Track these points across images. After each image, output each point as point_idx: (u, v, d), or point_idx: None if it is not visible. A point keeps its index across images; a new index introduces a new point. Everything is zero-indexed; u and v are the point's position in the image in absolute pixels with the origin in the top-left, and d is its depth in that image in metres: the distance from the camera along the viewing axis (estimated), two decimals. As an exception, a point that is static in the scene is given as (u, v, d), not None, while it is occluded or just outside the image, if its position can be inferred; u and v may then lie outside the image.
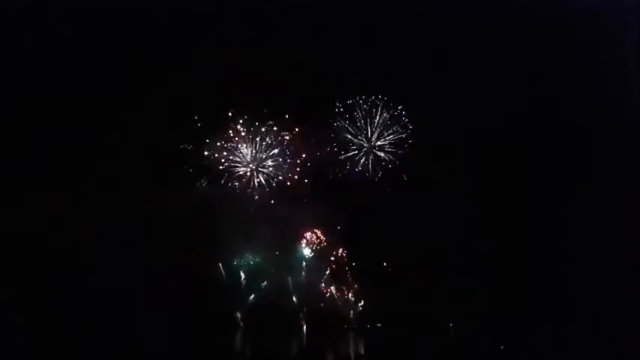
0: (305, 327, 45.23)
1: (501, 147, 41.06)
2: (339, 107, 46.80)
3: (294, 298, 45.74)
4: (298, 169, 46.76)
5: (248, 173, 46.67)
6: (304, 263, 46.87)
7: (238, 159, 46.56)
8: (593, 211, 34.87)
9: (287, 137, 46.57)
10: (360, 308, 46.21)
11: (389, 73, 44.21)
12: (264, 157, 46.69)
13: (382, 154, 47.30)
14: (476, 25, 38.09)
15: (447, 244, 41.74)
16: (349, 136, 47.37)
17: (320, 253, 47.18)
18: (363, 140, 47.50)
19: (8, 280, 34.60)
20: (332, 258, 47.12)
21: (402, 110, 46.66)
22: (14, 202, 37.24)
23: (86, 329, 30.99)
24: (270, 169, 46.89)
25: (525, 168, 40.12)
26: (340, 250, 47.26)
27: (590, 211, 35.12)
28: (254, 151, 46.66)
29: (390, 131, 47.23)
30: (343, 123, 47.06)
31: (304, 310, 45.62)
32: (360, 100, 46.81)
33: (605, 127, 34.30)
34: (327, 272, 46.77)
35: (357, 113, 47.03)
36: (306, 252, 47.18)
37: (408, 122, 46.84)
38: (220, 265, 45.40)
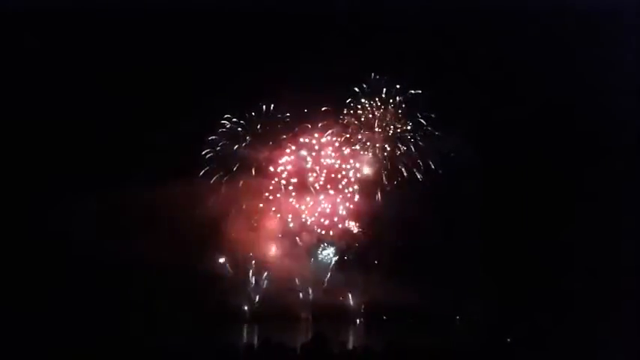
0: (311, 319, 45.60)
1: (503, 145, 41.00)
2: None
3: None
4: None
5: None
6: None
7: None
8: (593, 208, 34.83)
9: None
10: (367, 299, 46.35)
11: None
12: None
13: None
14: (475, 26, 37.99)
15: (453, 239, 41.79)
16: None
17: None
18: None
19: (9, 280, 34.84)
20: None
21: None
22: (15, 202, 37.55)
23: (89, 326, 31.32)
24: None
25: (527, 166, 40.09)
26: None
27: (590, 209, 35.10)
28: None
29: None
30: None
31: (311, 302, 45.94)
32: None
33: (604, 126, 34.21)
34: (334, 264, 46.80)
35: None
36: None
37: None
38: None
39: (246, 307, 45.85)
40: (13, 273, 35.83)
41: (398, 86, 45.83)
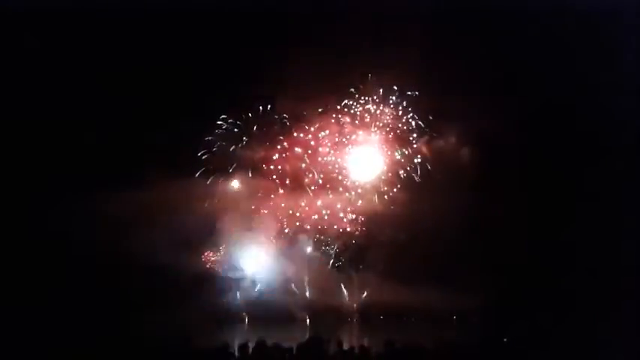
0: (307, 319, 45.49)
1: (502, 146, 40.88)
2: None
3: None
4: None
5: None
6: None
7: None
8: (593, 209, 34.76)
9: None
10: (363, 299, 46.22)
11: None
12: None
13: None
14: (475, 26, 37.82)
15: (452, 238, 41.63)
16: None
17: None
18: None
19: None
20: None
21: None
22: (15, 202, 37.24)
23: (86, 327, 31.06)
24: None
25: (527, 167, 39.99)
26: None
27: (590, 210, 35.02)
28: None
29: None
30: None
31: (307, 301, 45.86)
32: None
33: (604, 127, 34.12)
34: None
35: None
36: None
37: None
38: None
39: (241, 307, 45.71)
40: (9, 273, 35.52)
41: (395, 87, 45.96)
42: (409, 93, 45.99)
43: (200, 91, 42.58)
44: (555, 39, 36.76)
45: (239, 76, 42.89)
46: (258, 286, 45.76)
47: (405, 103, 46.30)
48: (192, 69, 42.15)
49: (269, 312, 44.25)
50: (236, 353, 15.69)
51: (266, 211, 46.04)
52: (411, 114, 46.39)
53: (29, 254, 37.56)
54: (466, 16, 37.44)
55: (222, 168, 46.37)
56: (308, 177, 46.62)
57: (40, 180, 38.84)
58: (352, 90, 46.33)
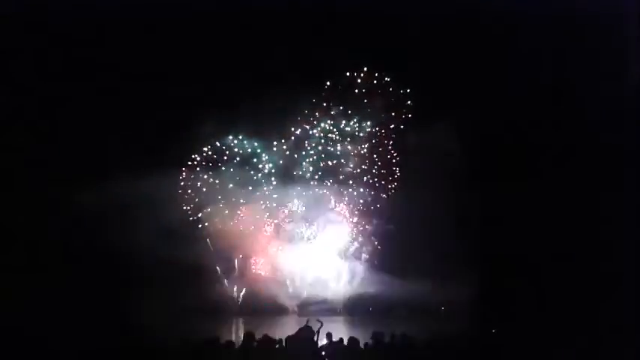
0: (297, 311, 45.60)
1: (502, 148, 40.98)
2: None
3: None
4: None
5: None
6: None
7: None
8: (593, 211, 34.89)
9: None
10: (352, 291, 46.34)
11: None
12: None
13: None
14: (475, 27, 37.66)
15: (440, 231, 41.73)
16: None
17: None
18: None
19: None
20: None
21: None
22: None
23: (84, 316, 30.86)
24: None
25: (526, 168, 40.06)
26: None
27: (590, 211, 35.16)
28: None
29: None
30: None
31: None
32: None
33: (604, 127, 34.16)
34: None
35: None
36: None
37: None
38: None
39: (230, 300, 45.68)
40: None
41: (388, 79, 45.78)
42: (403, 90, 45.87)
43: (190, 81, 42.14)
44: (553, 40, 36.63)
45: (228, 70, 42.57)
46: (248, 278, 45.72)
47: (395, 98, 46.16)
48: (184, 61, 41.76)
49: (258, 304, 44.33)
50: (225, 345, 15.67)
51: (257, 201, 45.95)
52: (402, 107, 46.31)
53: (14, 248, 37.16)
54: (464, 16, 37.10)
55: (211, 159, 46.10)
56: (300, 167, 46.63)
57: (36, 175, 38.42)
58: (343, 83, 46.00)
